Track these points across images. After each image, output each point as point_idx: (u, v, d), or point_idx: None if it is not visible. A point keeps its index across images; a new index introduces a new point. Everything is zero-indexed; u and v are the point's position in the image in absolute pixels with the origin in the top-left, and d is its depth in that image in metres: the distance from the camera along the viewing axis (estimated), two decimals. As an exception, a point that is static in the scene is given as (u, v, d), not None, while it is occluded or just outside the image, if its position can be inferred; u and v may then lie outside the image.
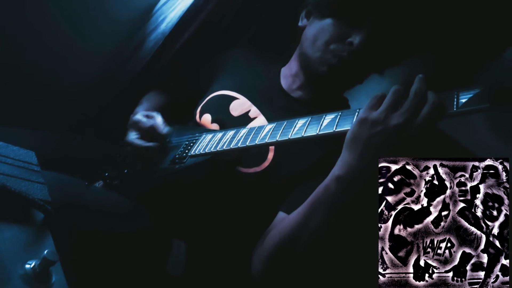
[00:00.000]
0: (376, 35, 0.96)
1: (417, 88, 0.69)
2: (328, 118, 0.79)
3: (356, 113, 0.77)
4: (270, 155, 0.95)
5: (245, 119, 1.03)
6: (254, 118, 1.03)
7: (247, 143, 0.86)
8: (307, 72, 1.05)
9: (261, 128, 0.88)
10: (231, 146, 0.88)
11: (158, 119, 1.02)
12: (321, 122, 0.79)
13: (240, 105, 1.06)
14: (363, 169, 0.73)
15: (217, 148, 0.90)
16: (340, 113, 0.79)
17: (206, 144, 0.94)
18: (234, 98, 1.07)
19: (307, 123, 0.81)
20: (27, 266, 0.52)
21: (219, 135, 0.94)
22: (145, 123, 1.01)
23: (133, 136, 1.00)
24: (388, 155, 0.68)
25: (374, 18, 0.95)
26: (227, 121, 1.03)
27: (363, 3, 0.95)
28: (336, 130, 0.77)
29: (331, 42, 0.98)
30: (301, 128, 0.81)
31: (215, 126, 1.05)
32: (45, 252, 0.51)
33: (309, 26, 1.05)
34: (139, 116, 1.03)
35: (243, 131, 0.91)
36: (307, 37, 1.04)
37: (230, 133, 0.93)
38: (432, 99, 0.68)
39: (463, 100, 0.64)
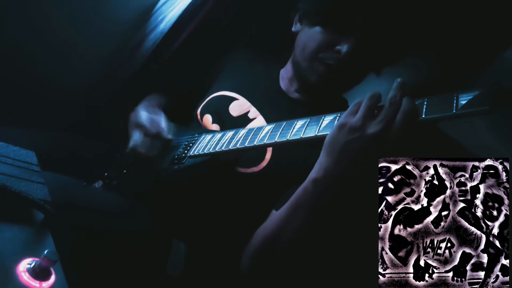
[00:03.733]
0: (366, 41, 0.94)
1: (392, 96, 0.70)
2: (327, 119, 0.79)
3: None
4: (268, 155, 0.96)
5: (245, 119, 1.03)
6: (254, 118, 1.03)
7: (246, 144, 0.86)
8: (300, 80, 1.05)
9: (260, 129, 0.87)
10: (229, 147, 0.88)
11: (162, 125, 1.02)
12: (320, 123, 0.79)
13: (239, 105, 1.06)
14: (339, 173, 0.75)
15: (216, 149, 0.90)
16: (338, 115, 0.78)
17: (205, 144, 0.94)
18: (234, 99, 1.07)
19: (306, 124, 0.81)
20: (27, 266, 0.51)
21: (218, 135, 0.94)
22: (150, 129, 1.00)
23: (136, 142, 0.99)
24: (366, 161, 0.70)
25: (363, 25, 0.93)
26: (227, 122, 1.03)
27: (350, 11, 0.94)
28: None
29: (319, 50, 0.97)
30: (300, 129, 0.81)
31: (215, 127, 1.05)
32: (45, 252, 0.51)
33: (301, 32, 1.04)
34: (144, 119, 1.02)
35: (242, 132, 0.90)
36: (298, 45, 1.04)
37: (229, 134, 0.92)
38: (405, 106, 0.68)
39: (463, 102, 0.64)
